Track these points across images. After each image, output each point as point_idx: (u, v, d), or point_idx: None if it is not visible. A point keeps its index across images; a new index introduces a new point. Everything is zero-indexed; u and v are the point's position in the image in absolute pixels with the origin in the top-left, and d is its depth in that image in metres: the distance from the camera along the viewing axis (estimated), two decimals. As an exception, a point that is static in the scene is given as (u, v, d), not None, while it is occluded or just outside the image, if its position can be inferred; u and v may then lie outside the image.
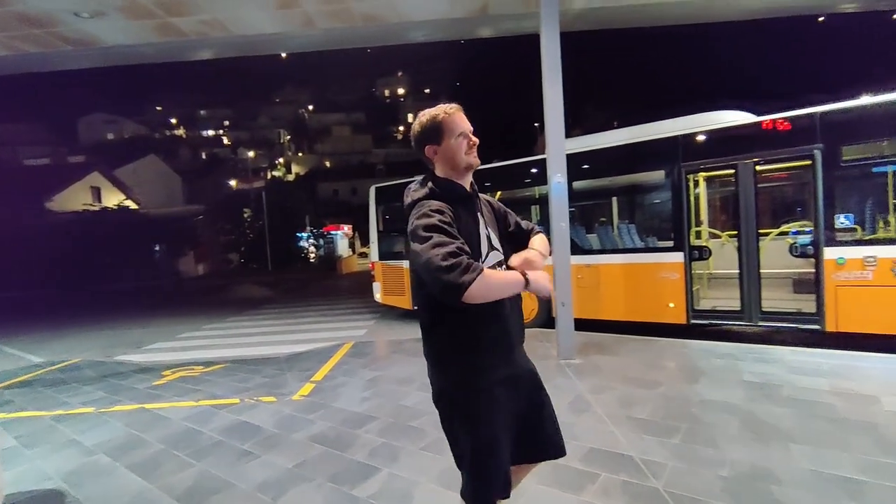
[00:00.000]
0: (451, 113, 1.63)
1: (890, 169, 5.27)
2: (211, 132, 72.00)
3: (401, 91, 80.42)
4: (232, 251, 34.47)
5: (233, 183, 46.04)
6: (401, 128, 75.35)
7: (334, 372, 5.77)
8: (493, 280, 1.44)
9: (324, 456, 3.39)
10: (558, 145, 5.77)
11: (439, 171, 1.68)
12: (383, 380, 5.28)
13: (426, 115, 1.67)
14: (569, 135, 6.30)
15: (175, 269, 28.55)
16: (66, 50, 7.93)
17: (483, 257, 1.61)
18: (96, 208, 26.08)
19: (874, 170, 5.39)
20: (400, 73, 79.78)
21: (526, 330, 1.83)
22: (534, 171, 7.96)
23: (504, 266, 1.69)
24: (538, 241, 1.84)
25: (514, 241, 1.84)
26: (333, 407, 4.46)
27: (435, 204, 1.56)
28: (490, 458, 1.59)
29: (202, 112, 73.40)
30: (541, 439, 1.76)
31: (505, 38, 9.11)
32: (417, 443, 3.49)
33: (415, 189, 1.68)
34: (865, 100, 5.24)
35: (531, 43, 6.37)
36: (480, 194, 1.78)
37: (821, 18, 9.76)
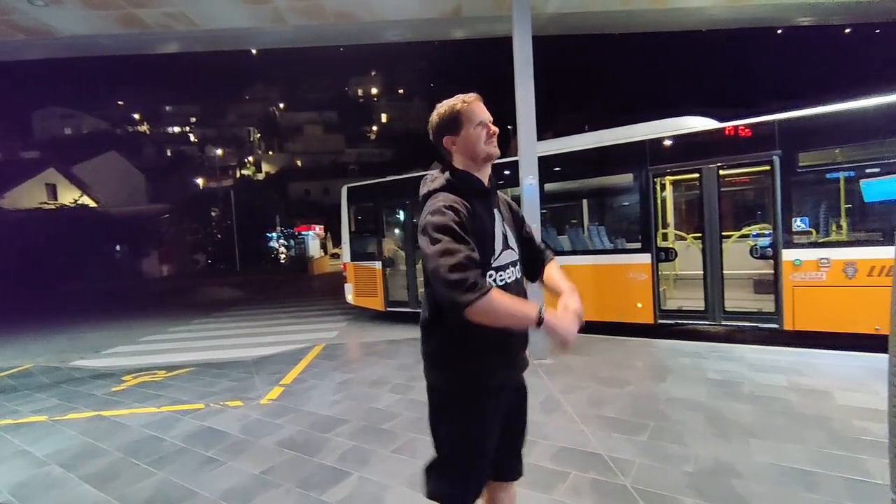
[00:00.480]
0: (469, 102, 1.59)
1: (842, 175, 5.54)
2: (177, 129, 69.70)
3: (374, 91, 79.86)
4: (198, 251, 33.43)
5: (200, 181, 44.67)
6: (374, 128, 74.85)
7: (304, 375, 5.66)
8: (499, 306, 1.37)
9: (292, 461, 3.31)
10: (530, 148, 5.83)
11: (458, 163, 1.62)
12: (355, 382, 5.21)
13: (444, 105, 1.63)
14: (540, 137, 6.38)
15: (138, 270, 27.49)
16: (19, 39, 7.52)
17: (496, 254, 1.56)
18: (52, 206, 24.86)
19: (828, 176, 5.66)
20: (373, 73, 79.23)
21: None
22: (506, 172, 8.03)
23: (518, 266, 1.66)
24: (558, 274, 1.76)
25: (524, 249, 1.77)
26: (303, 410, 4.37)
27: (450, 198, 1.50)
28: (475, 459, 1.57)
29: (167, 108, 71.00)
30: (508, 456, 1.72)
31: (479, 40, 9.17)
32: (389, 446, 3.45)
33: (431, 179, 1.63)
34: (820, 109, 5.49)
35: (505, 46, 6.42)
36: (500, 192, 1.73)
37: (779, 30, 10.19)
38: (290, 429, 3.92)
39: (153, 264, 29.49)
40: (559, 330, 1.41)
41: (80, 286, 22.70)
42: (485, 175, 1.63)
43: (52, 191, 27.84)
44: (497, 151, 1.60)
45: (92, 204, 28.00)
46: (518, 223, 1.77)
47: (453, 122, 1.60)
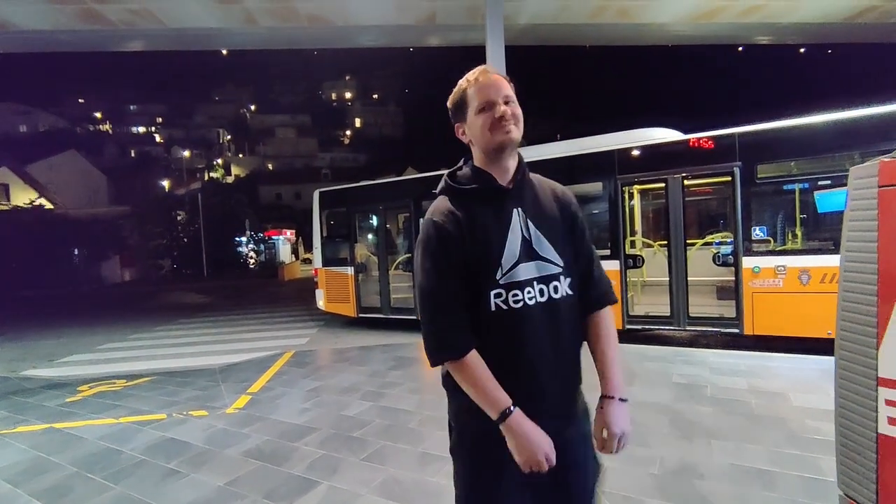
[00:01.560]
0: (473, 79, 1.29)
1: (798, 187, 5.83)
2: (142, 129, 67.52)
3: (348, 95, 79.43)
4: (163, 256, 32.30)
5: (165, 183, 43.30)
6: (348, 132, 74.34)
7: (273, 383, 5.53)
8: (466, 378, 1.19)
9: (259, 471, 3.23)
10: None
11: (476, 158, 1.34)
12: (325, 390, 5.13)
13: (456, 87, 1.35)
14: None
15: (97, 275, 26.34)
16: (-31, 32, 7.15)
17: (504, 269, 1.22)
18: (5, 207, 23.62)
19: (785, 187, 5.95)
20: (348, 77, 78.82)
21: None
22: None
23: (563, 282, 1.27)
24: (608, 344, 1.34)
25: (574, 265, 1.35)
26: (270, 419, 4.27)
27: (440, 207, 1.29)
28: None
29: (132, 107, 68.72)
30: None
31: (455, 47, 9.26)
32: (359, 454, 3.41)
33: (444, 178, 1.38)
34: (777, 123, 5.77)
35: (480, 54, 6.51)
36: (544, 179, 1.41)
37: (740, 48, 10.71)
38: (256, 438, 3.82)
39: (114, 269, 28.32)
40: (525, 450, 1.14)
41: (33, 292, 21.59)
42: (503, 169, 1.30)
43: (5, 191, 26.47)
44: (509, 138, 1.25)
45: (49, 205, 26.73)
46: (567, 216, 1.35)
47: (460, 107, 1.32)
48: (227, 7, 6.77)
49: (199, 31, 7.31)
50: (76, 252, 26.19)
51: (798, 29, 9.04)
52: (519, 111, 1.28)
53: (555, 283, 1.26)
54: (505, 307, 1.22)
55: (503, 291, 1.22)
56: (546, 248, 1.27)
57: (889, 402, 0.86)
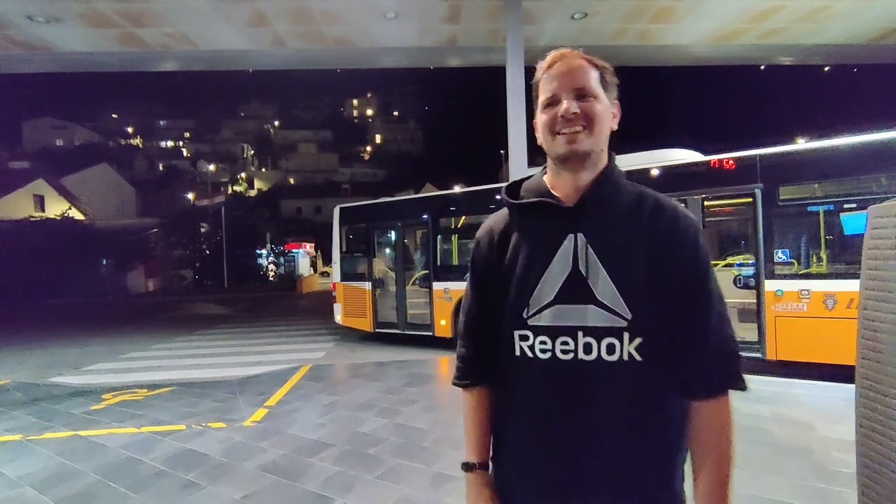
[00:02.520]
0: (546, 65, 1.00)
1: (822, 209, 5.72)
2: (170, 143, 69.80)
3: (370, 112, 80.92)
4: (186, 267, 33.05)
5: (191, 196, 44.53)
6: (368, 148, 75.56)
7: (289, 396, 5.58)
8: (463, 410, 1.11)
9: (275, 486, 3.26)
10: (521, 173, 5.95)
11: (549, 164, 1.06)
12: (341, 405, 5.16)
13: None
14: (534, 164, 6.53)
15: (122, 285, 27.05)
16: (16, 53, 7.57)
17: (530, 309, 0.96)
18: (38, 218, 24.57)
19: (808, 209, 5.84)
20: (369, 94, 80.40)
21: None
22: (498, 197, 8.15)
23: (622, 340, 0.91)
24: (711, 448, 0.93)
25: (661, 328, 0.93)
26: (287, 434, 4.31)
27: (490, 220, 1.10)
28: None
29: (161, 122, 71.20)
30: None
31: (475, 67, 9.43)
32: (374, 471, 3.42)
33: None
34: (800, 145, 5.71)
35: (501, 71, 6.61)
36: (659, 199, 0.99)
37: (762, 66, 10.64)
38: (273, 452, 3.85)
39: (139, 279, 29.06)
40: None
41: (62, 300, 22.26)
42: (573, 182, 0.99)
43: (40, 202, 27.55)
44: (571, 149, 0.95)
45: (79, 217, 27.70)
46: (657, 262, 0.93)
47: (535, 99, 1.04)
48: (257, 30, 7.06)
49: (231, 52, 7.64)
50: (104, 262, 26.98)
51: (821, 50, 8.96)
52: (599, 109, 0.95)
53: (610, 339, 0.91)
54: (531, 355, 0.96)
55: (530, 335, 0.96)
56: (608, 290, 0.92)
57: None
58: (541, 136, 1.01)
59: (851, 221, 5.47)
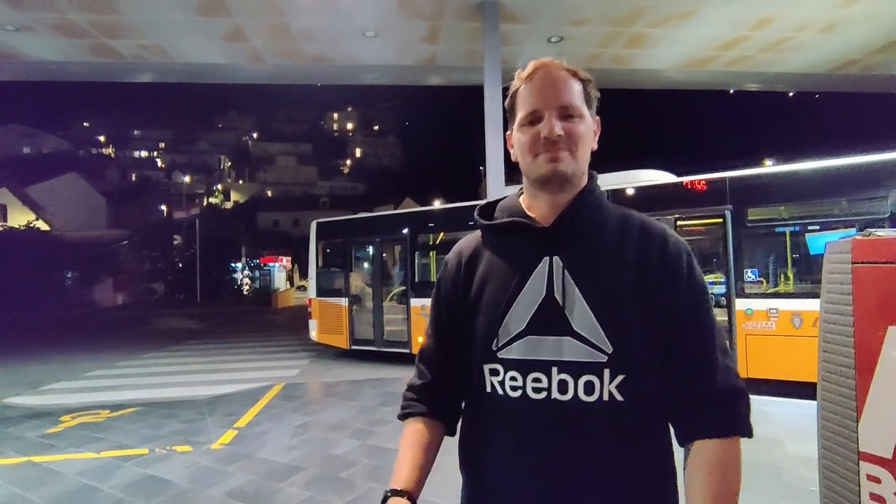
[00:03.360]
0: (526, 75, 0.91)
1: (788, 230, 5.93)
2: (144, 153, 68.29)
3: (349, 126, 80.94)
4: (157, 280, 32.11)
5: (164, 208, 43.50)
6: (348, 161, 75.42)
7: (260, 417, 5.42)
8: (401, 441, 0.97)
9: (241, 514, 3.13)
10: (499, 192, 6.00)
11: (524, 183, 0.98)
12: (313, 426, 5.03)
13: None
14: (512, 182, 6.60)
15: (88, 298, 26.06)
16: (-19, 60, 7.34)
17: (500, 339, 0.87)
18: (0, 229, 23.60)
19: (775, 230, 6.05)
20: (350, 108, 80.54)
21: None
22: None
23: (601, 378, 0.82)
24: (707, 492, 0.80)
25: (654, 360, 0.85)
26: (256, 457, 4.16)
27: (461, 242, 1.02)
28: None
29: (136, 132, 69.70)
30: None
31: (455, 86, 9.55)
32: (345, 496, 3.32)
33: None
34: (766, 169, 5.93)
35: (481, 89, 6.71)
36: (643, 220, 0.92)
37: (731, 91, 11.10)
38: (241, 477, 3.72)
39: (106, 292, 28.05)
40: None
41: (23, 315, 21.29)
42: (550, 203, 0.91)
43: (2, 212, 26.49)
44: (552, 170, 0.87)
45: (45, 227, 26.71)
46: (643, 289, 0.84)
47: (511, 110, 0.96)
48: (234, 45, 7.01)
49: (207, 66, 7.56)
50: (69, 275, 25.98)
51: (785, 78, 9.41)
52: (583, 130, 0.88)
53: (588, 377, 0.81)
54: (501, 392, 0.87)
55: (500, 369, 0.87)
56: (586, 320, 0.83)
57: (870, 478, 0.87)
58: (517, 154, 0.93)
59: (815, 242, 5.68)
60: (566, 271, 0.85)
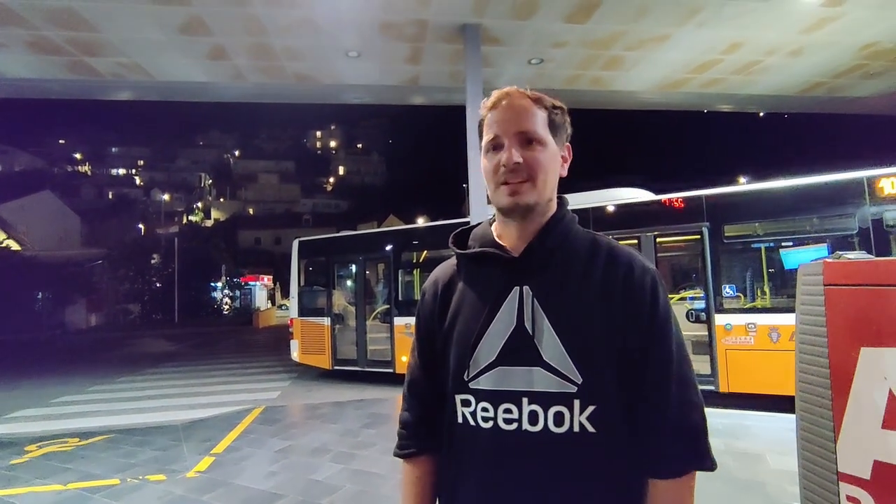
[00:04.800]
0: (491, 103, 0.91)
1: (763, 246, 6.08)
2: (122, 171, 67.11)
3: (333, 143, 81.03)
4: (133, 301, 31.24)
5: (142, 226, 42.63)
6: (331, 179, 75.28)
7: (239, 442, 5.25)
8: (402, 483, 0.99)
9: (216, 547, 3.00)
10: (481, 211, 6.05)
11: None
12: (294, 450, 4.89)
13: None
14: (493, 201, 6.66)
15: (59, 320, 25.18)
16: (-49, 77, 7.18)
17: (469, 372, 0.87)
18: (-33, 248, 22.79)
19: (752, 246, 6.19)
20: (333, 127, 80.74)
21: None
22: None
23: (572, 408, 0.81)
24: None
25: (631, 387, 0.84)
26: (234, 484, 4.02)
27: (437, 270, 1.03)
28: None
29: (114, 149, 68.57)
30: None
31: (438, 106, 9.67)
32: (326, 525, 3.21)
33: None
34: (741, 187, 6.10)
35: (464, 108, 6.79)
36: (614, 247, 0.91)
37: (705, 111, 11.48)
38: (217, 507, 3.57)
39: (79, 314, 27.15)
40: None
41: (-12, 337, 20.44)
42: (520, 231, 0.91)
43: (-29, 231, 25.63)
44: (512, 202, 0.87)
45: (16, 247, 25.88)
46: (612, 318, 0.84)
47: (480, 136, 0.95)
48: (216, 63, 6.99)
49: (188, 84, 7.51)
50: (39, 295, 25.11)
51: (756, 100, 9.80)
52: (543, 158, 0.87)
53: (558, 407, 0.80)
54: (472, 423, 0.86)
55: (472, 400, 0.86)
56: (555, 350, 0.82)
57: (850, 499, 0.87)
58: (484, 178, 0.93)
59: (789, 258, 5.84)
60: (535, 301, 0.84)
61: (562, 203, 0.94)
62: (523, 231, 0.90)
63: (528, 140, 0.86)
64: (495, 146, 0.88)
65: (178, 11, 5.84)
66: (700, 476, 0.85)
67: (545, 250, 0.88)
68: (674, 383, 0.82)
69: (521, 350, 0.83)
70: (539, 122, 0.88)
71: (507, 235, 0.92)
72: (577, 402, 0.80)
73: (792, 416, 4.02)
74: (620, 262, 0.87)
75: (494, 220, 0.98)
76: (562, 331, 0.82)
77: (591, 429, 0.80)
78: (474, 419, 0.85)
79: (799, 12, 6.58)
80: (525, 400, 0.81)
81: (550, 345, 0.82)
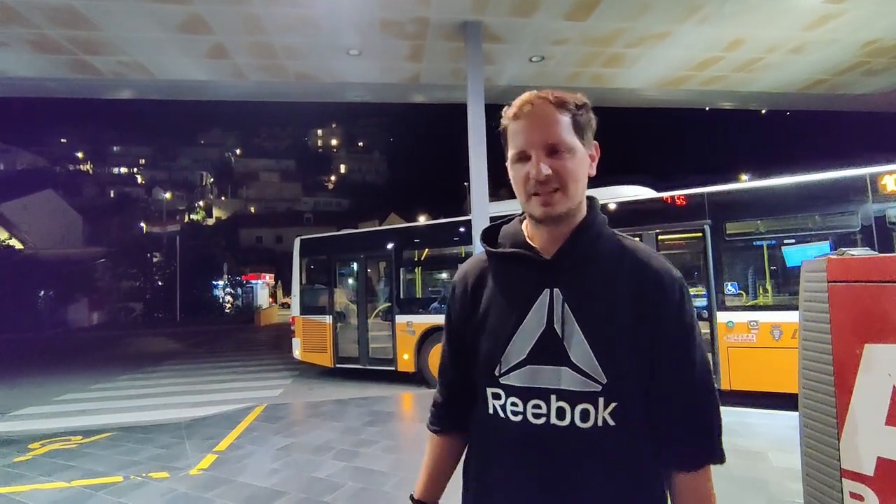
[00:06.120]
0: (514, 112, 0.92)
1: (765, 244, 6.07)
2: (123, 169, 67.13)
3: (334, 142, 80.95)
4: (135, 299, 31.29)
5: (143, 225, 42.65)
6: (332, 177, 75.26)
7: (242, 440, 5.26)
8: (427, 449, 1.11)
9: (219, 544, 3.01)
10: (482, 209, 6.04)
11: None
12: (296, 448, 4.90)
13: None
14: (495, 195, 6.65)
15: (62, 318, 25.24)
16: (-47, 76, 7.18)
17: (501, 368, 0.92)
18: (-31, 247, 22.85)
19: (754, 243, 6.19)
20: (334, 125, 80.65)
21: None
22: (461, 230, 8.22)
23: (598, 406, 0.86)
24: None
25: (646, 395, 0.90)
26: (237, 482, 4.03)
27: (467, 264, 1.06)
28: None
29: (115, 148, 68.57)
30: None
31: (439, 104, 9.66)
32: (329, 522, 3.22)
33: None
34: (743, 184, 6.08)
35: (465, 106, 6.79)
36: (641, 251, 0.94)
37: (707, 108, 11.44)
38: (220, 504, 3.59)
39: (81, 312, 27.21)
40: None
41: (-9, 336, 20.52)
42: (551, 234, 0.93)
43: (-27, 230, 25.69)
44: (545, 212, 0.89)
45: (18, 245, 25.95)
46: (634, 321, 0.88)
47: (504, 142, 0.97)
48: (216, 62, 6.98)
49: (189, 83, 7.51)
50: (41, 294, 25.18)
51: (757, 97, 9.76)
52: (573, 166, 0.88)
53: (584, 405, 0.85)
54: (502, 415, 0.91)
55: (502, 394, 0.91)
56: (583, 352, 0.86)
57: (853, 496, 0.87)
58: (514, 187, 0.94)
59: (791, 255, 5.83)
60: (565, 304, 0.88)
61: (592, 206, 0.96)
62: (554, 234, 0.92)
63: (555, 150, 0.87)
64: (521, 158, 0.90)
65: (178, 10, 5.83)
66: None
67: (576, 254, 0.91)
68: (696, 388, 0.88)
69: (549, 350, 0.88)
70: (564, 128, 0.88)
71: (538, 237, 0.95)
72: (601, 400, 0.85)
73: (794, 414, 4.01)
74: (649, 268, 0.90)
75: (525, 219, 1.00)
76: (589, 334, 0.86)
77: (611, 423, 0.85)
78: (504, 412, 0.91)
79: (800, 9, 6.56)
80: (553, 397, 0.87)
81: (578, 347, 0.86)
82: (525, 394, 0.88)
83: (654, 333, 0.87)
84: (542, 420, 0.87)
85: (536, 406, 0.87)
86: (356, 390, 7.91)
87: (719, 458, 0.90)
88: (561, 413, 0.86)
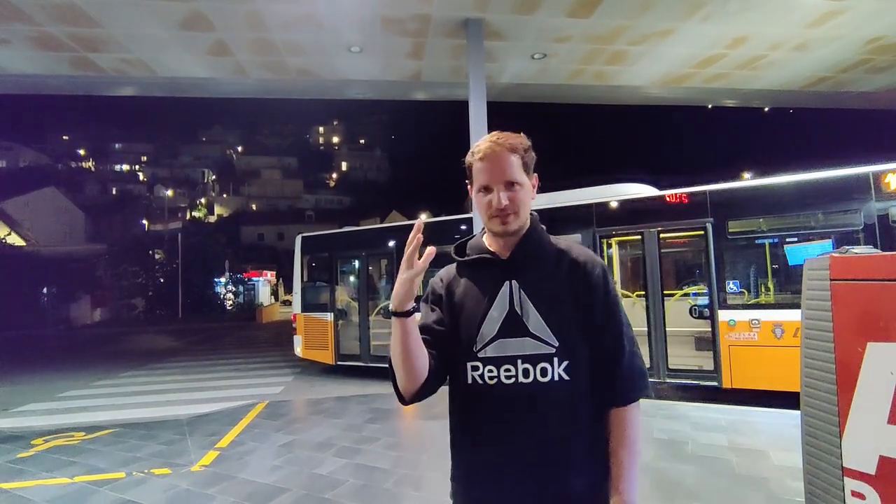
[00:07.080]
0: (477, 154, 1.19)
1: (767, 242, 6.05)
2: (125, 167, 67.13)
3: (335, 139, 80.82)
4: (137, 296, 31.35)
5: (145, 222, 42.72)
6: (333, 175, 75.20)
7: (243, 436, 5.28)
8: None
9: (221, 540, 3.02)
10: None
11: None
12: (298, 445, 4.91)
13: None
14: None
15: (64, 315, 25.31)
16: (-46, 73, 7.19)
17: (477, 345, 1.18)
18: (-29, 244, 22.91)
19: (756, 241, 6.17)
20: (336, 122, 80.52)
21: None
22: (463, 227, 8.22)
23: (554, 365, 1.14)
24: (625, 442, 1.17)
25: (586, 350, 1.18)
26: (239, 478, 4.04)
27: (442, 271, 1.34)
28: None
29: (117, 145, 68.57)
30: None
31: (440, 101, 9.64)
32: (330, 519, 3.23)
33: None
34: (746, 182, 6.06)
35: (465, 107, 6.77)
36: (574, 247, 1.26)
37: (710, 106, 11.41)
38: (222, 500, 3.60)
39: (83, 309, 27.28)
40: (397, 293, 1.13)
41: (-5, 332, 20.58)
42: (503, 241, 1.24)
43: (-24, 227, 25.75)
44: (504, 230, 1.19)
45: (20, 242, 26.01)
46: (574, 297, 1.19)
47: (468, 174, 1.25)
48: (218, 59, 6.98)
49: (191, 80, 7.50)
50: (44, 291, 25.25)
51: (760, 94, 9.72)
52: (523, 196, 1.18)
53: (543, 364, 1.13)
54: (480, 382, 1.16)
55: (480, 365, 1.17)
56: (538, 324, 1.15)
57: (855, 494, 0.87)
58: (478, 210, 1.23)
59: (794, 254, 5.80)
60: (522, 290, 1.18)
61: (534, 220, 1.26)
62: (509, 242, 1.23)
63: (511, 185, 1.17)
64: (485, 190, 1.19)
65: (179, 7, 5.82)
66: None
67: (525, 254, 1.22)
68: (625, 341, 1.18)
69: (513, 326, 1.16)
70: (516, 168, 1.17)
71: (496, 245, 1.25)
72: (555, 359, 1.14)
73: (795, 413, 4.00)
74: (580, 258, 1.22)
75: (485, 233, 1.30)
76: (542, 310, 1.16)
77: (566, 377, 1.14)
78: (482, 379, 1.17)
79: (804, 6, 6.52)
80: (519, 361, 1.14)
81: (534, 321, 1.16)
82: (498, 361, 1.15)
83: (588, 302, 1.17)
84: (512, 380, 1.14)
85: (507, 370, 1.14)
86: (357, 387, 7.92)
87: (648, 392, 1.19)
88: (526, 372, 1.13)
